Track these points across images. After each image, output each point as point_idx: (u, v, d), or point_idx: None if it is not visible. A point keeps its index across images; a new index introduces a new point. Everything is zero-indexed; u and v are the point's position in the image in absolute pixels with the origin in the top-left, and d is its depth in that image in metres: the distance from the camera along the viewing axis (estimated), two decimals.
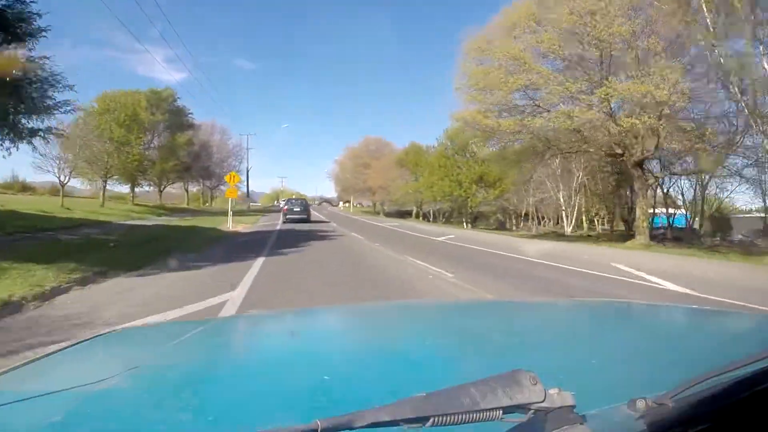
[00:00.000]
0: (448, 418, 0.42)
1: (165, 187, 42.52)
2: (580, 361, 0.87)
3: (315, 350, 1.03)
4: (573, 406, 0.46)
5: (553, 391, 0.46)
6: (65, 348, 1.01)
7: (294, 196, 40.94)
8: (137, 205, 32.79)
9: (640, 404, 0.52)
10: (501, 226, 39.66)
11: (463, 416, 0.42)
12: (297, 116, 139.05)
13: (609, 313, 1.58)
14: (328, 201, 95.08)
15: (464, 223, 34.47)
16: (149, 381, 0.78)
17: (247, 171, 42.22)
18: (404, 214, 49.37)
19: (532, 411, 0.45)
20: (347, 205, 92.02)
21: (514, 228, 38.78)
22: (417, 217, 44.87)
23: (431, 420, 0.41)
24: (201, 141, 43.33)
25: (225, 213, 24.68)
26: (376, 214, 55.67)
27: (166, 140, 36.74)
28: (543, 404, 0.45)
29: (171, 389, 0.74)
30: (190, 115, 40.20)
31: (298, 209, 24.88)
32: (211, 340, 1.17)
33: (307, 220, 24.25)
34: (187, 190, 50.27)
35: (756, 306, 4.71)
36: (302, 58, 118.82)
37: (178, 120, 38.09)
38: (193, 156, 42.21)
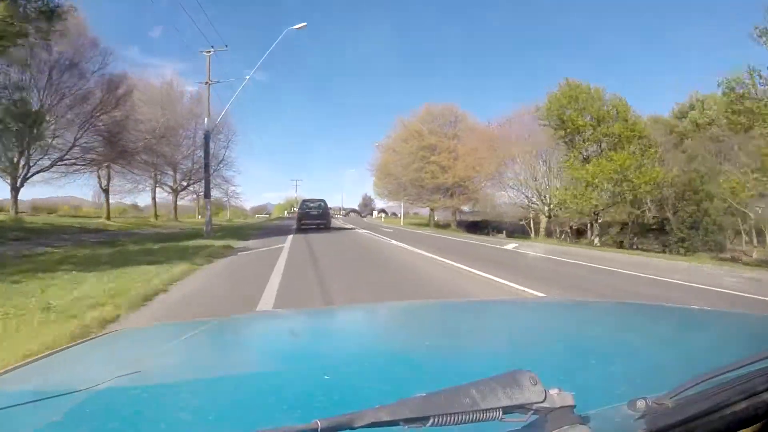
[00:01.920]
0: (448, 418, 0.42)
1: (23, 178, 18.97)
2: (580, 361, 0.87)
3: (315, 350, 1.02)
4: (573, 407, 0.46)
5: (553, 392, 0.46)
6: (66, 348, 1.00)
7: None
8: None
9: (640, 404, 0.51)
10: None
11: (463, 416, 0.42)
12: (308, 120, 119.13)
13: (609, 313, 1.56)
14: (356, 211, 72.18)
15: None
16: (149, 381, 0.77)
17: (206, 146, 17.06)
18: (478, 228, 30.75)
19: (532, 411, 0.45)
20: (381, 215, 66.83)
21: None
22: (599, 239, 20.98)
23: (431, 420, 0.41)
24: (107, 80, 19.73)
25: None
26: (437, 227, 34.08)
27: None
28: (543, 404, 0.44)
29: (171, 389, 0.73)
30: None
31: (315, 212, 20.16)
32: (212, 340, 1.16)
33: (326, 226, 19.91)
34: (105, 191, 26.55)
35: None
36: (308, 62, 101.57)
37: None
38: (94, 108, 18.84)
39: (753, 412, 0.49)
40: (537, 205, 26.14)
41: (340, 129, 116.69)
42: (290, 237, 14.93)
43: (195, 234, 16.26)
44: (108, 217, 24.94)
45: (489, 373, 0.46)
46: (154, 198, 31.96)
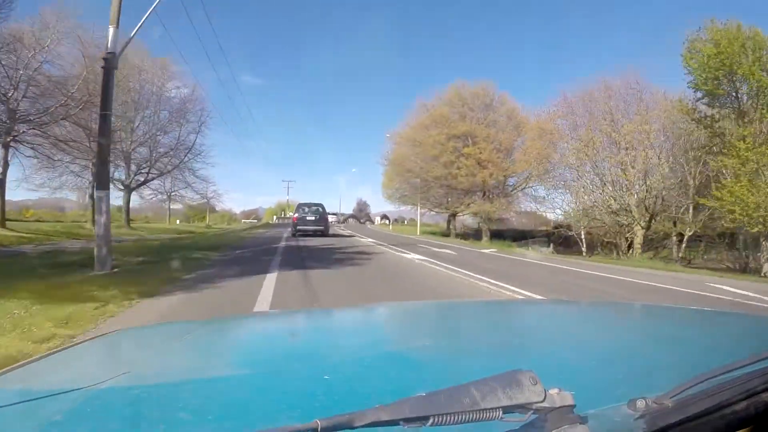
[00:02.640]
0: (448, 418, 0.42)
1: None
2: (580, 361, 0.86)
3: (315, 350, 1.01)
4: (573, 406, 0.46)
5: (553, 391, 0.46)
6: (66, 348, 1.01)
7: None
8: None
9: (640, 404, 0.51)
10: None
11: (463, 416, 0.42)
12: (305, 122, 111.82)
13: (609, 313, 1.55)
14: (354, 217, 64.09)
15: None
16: (149, 381, 0.76)
17: (105, 83, 7.27)
18: (504, 238, 25.29)
19: (532, 411, 0.45)
20: (385, 221, 58.88)
21: None
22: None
23: (431, 419, 0.41)
24: None
25: None
26: (460, 237, 28.62)
27: None
28: (543, 404, 0.44)
29: (171, 389, 0.72)
30: None
31: (312, 218, 18.83)
32: (212, 340, 1.15)
33: (323, 233, 18.61)
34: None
35: None
36: (307, 65, 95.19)
37: None
38: None
39: (752, 411, 0.49)
40: (630, 211, 18.59)
41: (335, 131, 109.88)
42: (272, 278, 6.70)
43: (84, 261, 8.01)
44: (2, 224, 16.51)
45: (489, 372, 0.46)
46: (92, 195, 23.29)
